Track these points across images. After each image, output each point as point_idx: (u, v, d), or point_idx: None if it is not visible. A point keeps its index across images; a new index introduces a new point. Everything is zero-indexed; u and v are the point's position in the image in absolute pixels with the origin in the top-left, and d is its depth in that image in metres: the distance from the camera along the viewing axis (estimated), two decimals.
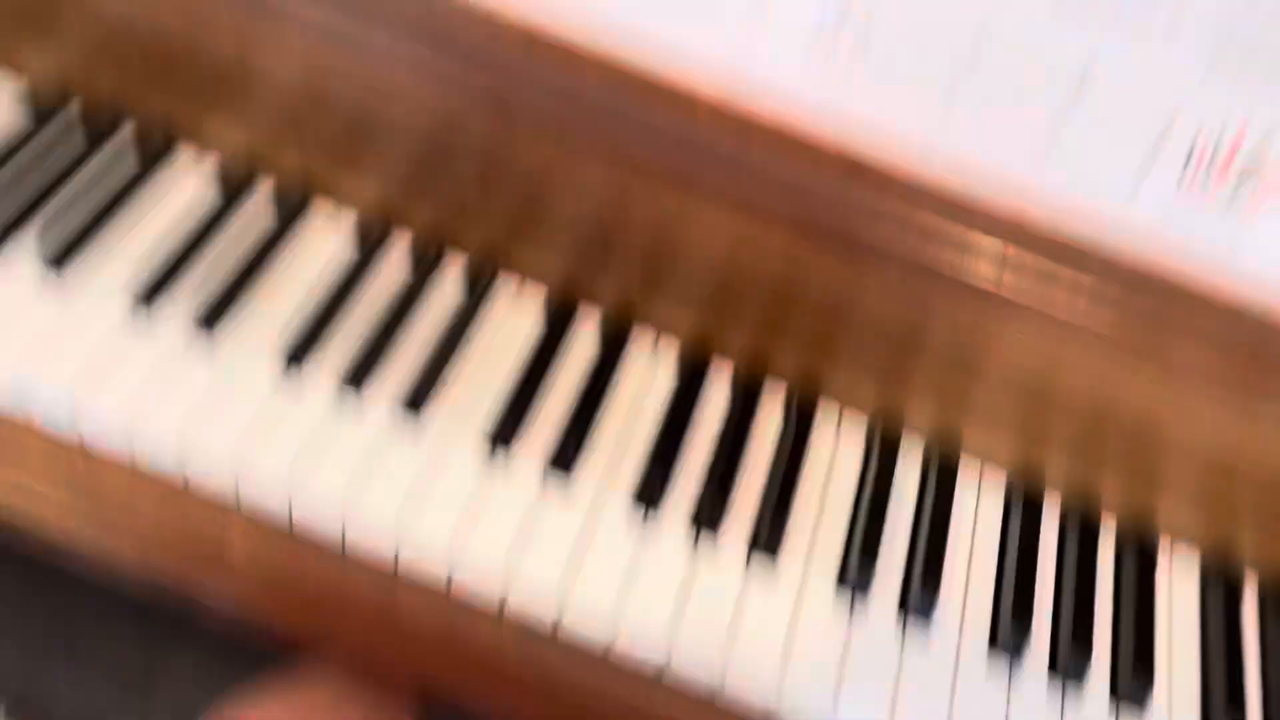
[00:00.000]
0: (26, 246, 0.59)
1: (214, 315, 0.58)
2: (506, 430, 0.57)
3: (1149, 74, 0.50)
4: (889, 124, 0.53)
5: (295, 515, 0.54)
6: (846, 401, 0.62)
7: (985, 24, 0.50)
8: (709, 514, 0.57)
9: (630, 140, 0.55)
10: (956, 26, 0.51)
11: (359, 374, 0.57)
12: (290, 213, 0.63)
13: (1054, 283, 0.54)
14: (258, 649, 0.68)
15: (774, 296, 0.59)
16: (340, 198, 0.64)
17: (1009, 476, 0.62)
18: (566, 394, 0.60)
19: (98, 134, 0.64)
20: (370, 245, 0.63)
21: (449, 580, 0.54)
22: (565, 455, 0.57)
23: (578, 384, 0.60)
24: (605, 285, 0.62)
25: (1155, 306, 0.54)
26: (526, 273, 0.63)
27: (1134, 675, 0.55)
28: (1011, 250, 0.54)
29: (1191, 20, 0.48)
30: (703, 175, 0.55)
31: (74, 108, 0.65)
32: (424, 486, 0.55)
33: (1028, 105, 0.52)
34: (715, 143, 0.54)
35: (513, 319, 0.63)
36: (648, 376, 0.62)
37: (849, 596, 0.56)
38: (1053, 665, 0.56)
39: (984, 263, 0.55)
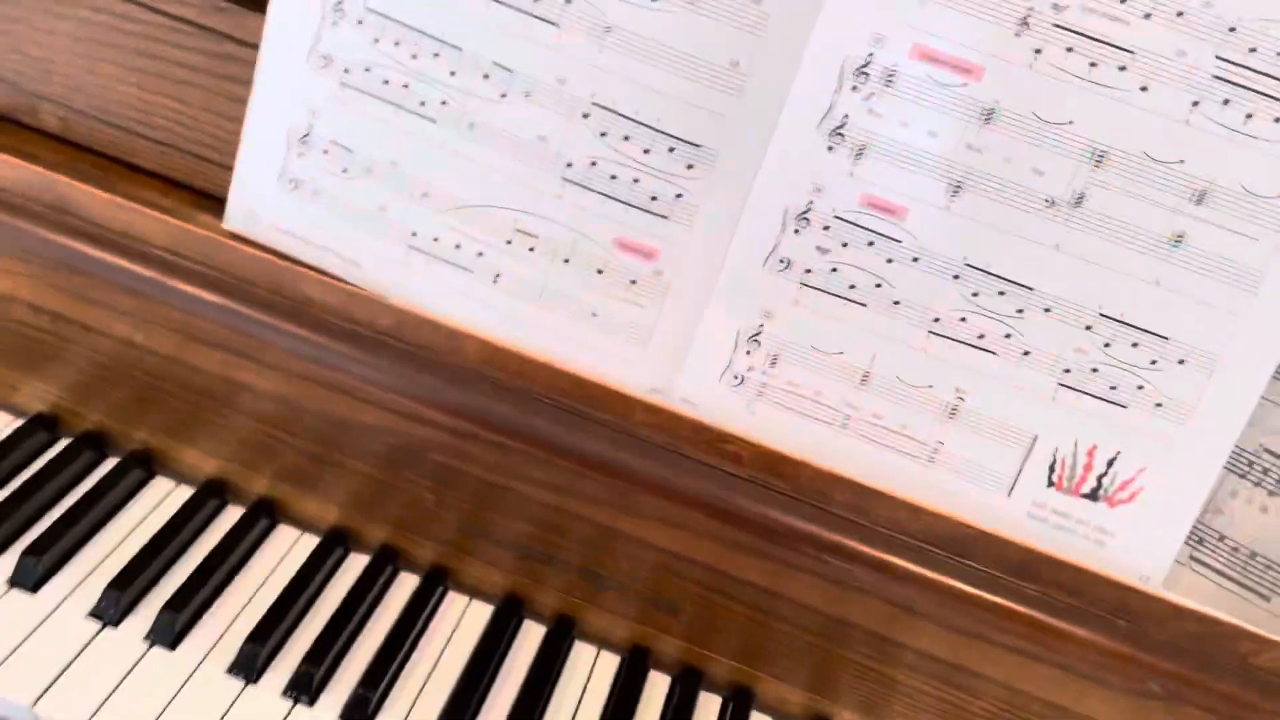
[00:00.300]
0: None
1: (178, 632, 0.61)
2: None
3: (1010, 398, 0.60)
4: (796, 437, 0.62)
5: None
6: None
7: (869, 372, 0.61)
8: None
9: (577, 440, 0.63)
10: (848, 369, 0.61)
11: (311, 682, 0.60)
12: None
13: (943, 567, 0.61)
14: None
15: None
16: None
17: None
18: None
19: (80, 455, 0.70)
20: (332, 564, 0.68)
21: None
22: None
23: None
24: (549, 590, 0.67)
25: (1036, 590, 0.61)
26: (473, 585, 0.68)
27: None
28: (910, 539, 0.61)
29: (1035, 356, 0.59)
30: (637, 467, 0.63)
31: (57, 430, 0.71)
32: None
33: (910, 424, 0.61)
34: (648, 438, 0.63)
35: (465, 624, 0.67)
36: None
37: None
38: None
39: (886, 548, 0.62)
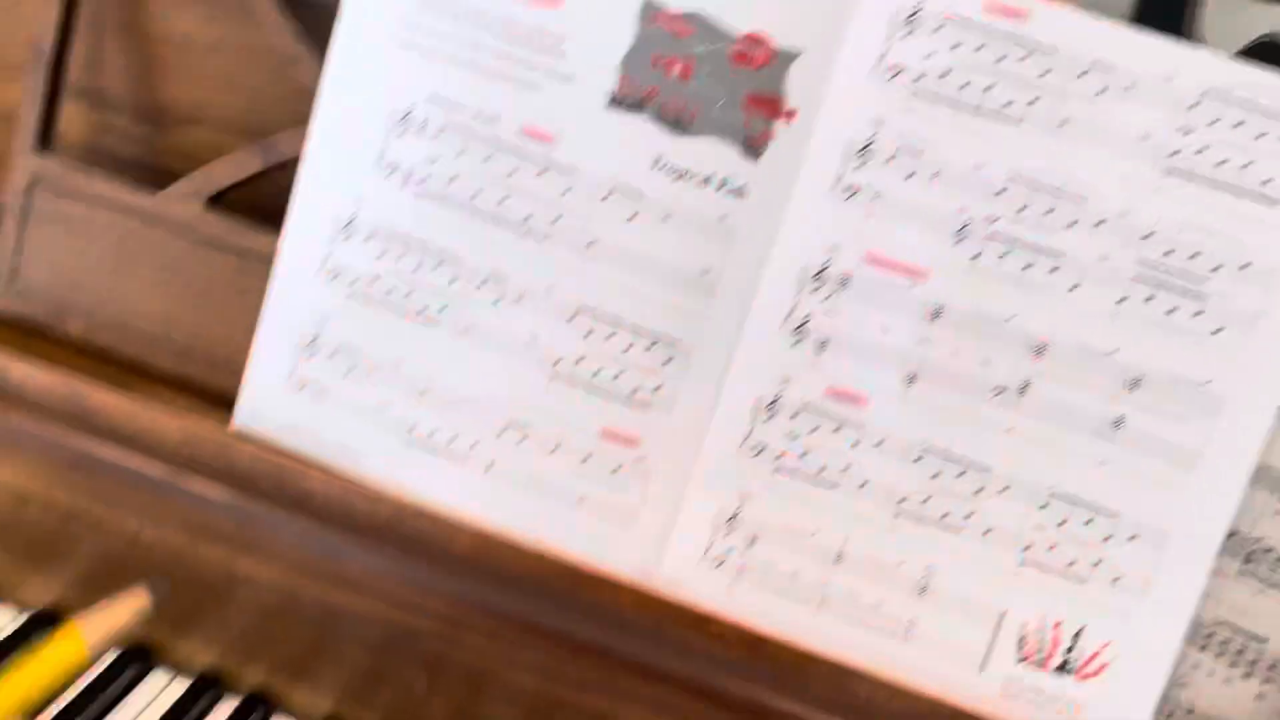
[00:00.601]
0: None
1: None
2: None
3: (976, 575, 0.63)
4: (776, 616, 0.65)
5: None
6: None
7: (842, 552, 0.64)
8: None
9: (566, 624, 0.65)
10: (822, 549, 0.65)
11: None
12: None
13: None
14: None
15: None
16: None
17: None
18: None
19: None
20: None
21: None
22: None
23: None
24: None
25: None
26: None
27: None
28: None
29: (997, 533, 0.63)
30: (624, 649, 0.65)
31: None
32: None
33: (884, 602, 0.64)
34: (635, 620, 0.65)
35: None
36: None
37: None
38: None
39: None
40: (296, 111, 0.69)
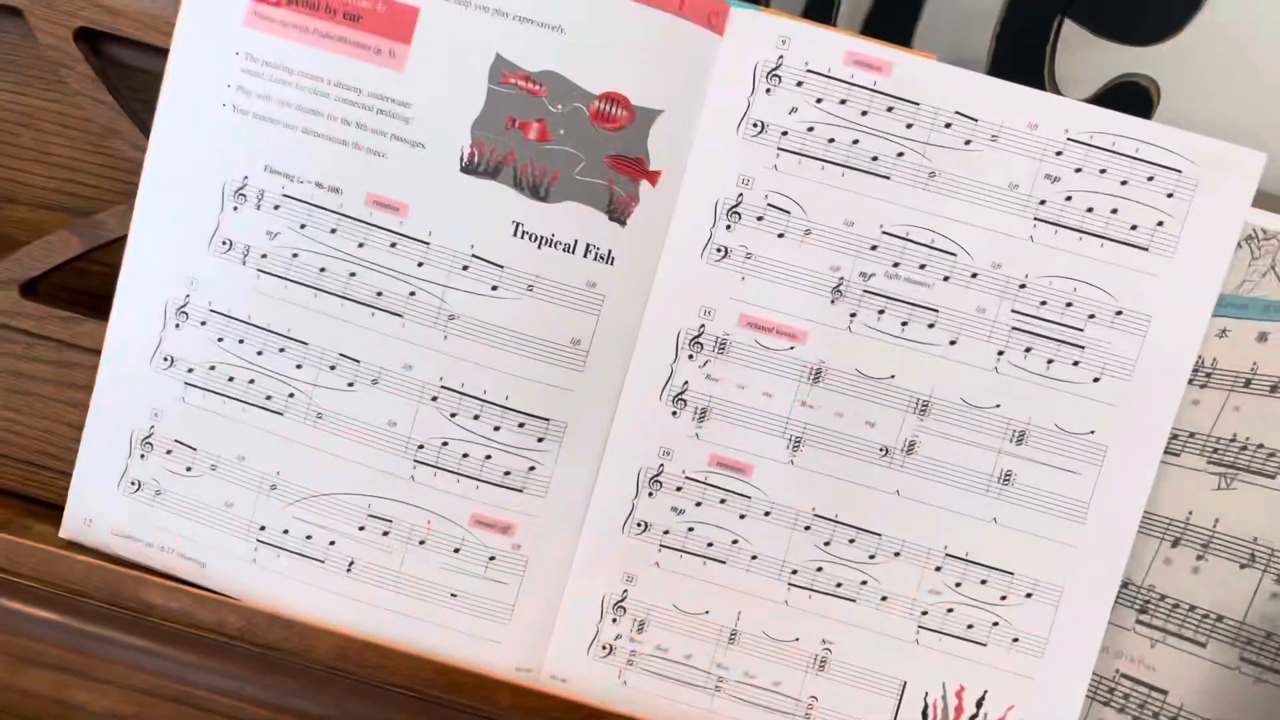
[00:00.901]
0: None
1: None
2: None
3: (875, 644, 0.60)
4: (671, 704, 0.61)
5: None
6: None
7: (736, 630, 0.61)
8: None
9: None
10: (715, 629, 0.61)
11: None
12: None
13: None
14: None
15: None
16: None
17: None
18: None
19: None
20: None
21: None
22: None
23: None
24: None
25: None
26: None
27: None
28: None
29: (893, 600, 0.60)
30: None
31: None
32: None
33: (782, 681, 0.61)
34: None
35: None
36: None
37: None
38: None
39: None
40: (121, 187, 0.63)
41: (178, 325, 0.61)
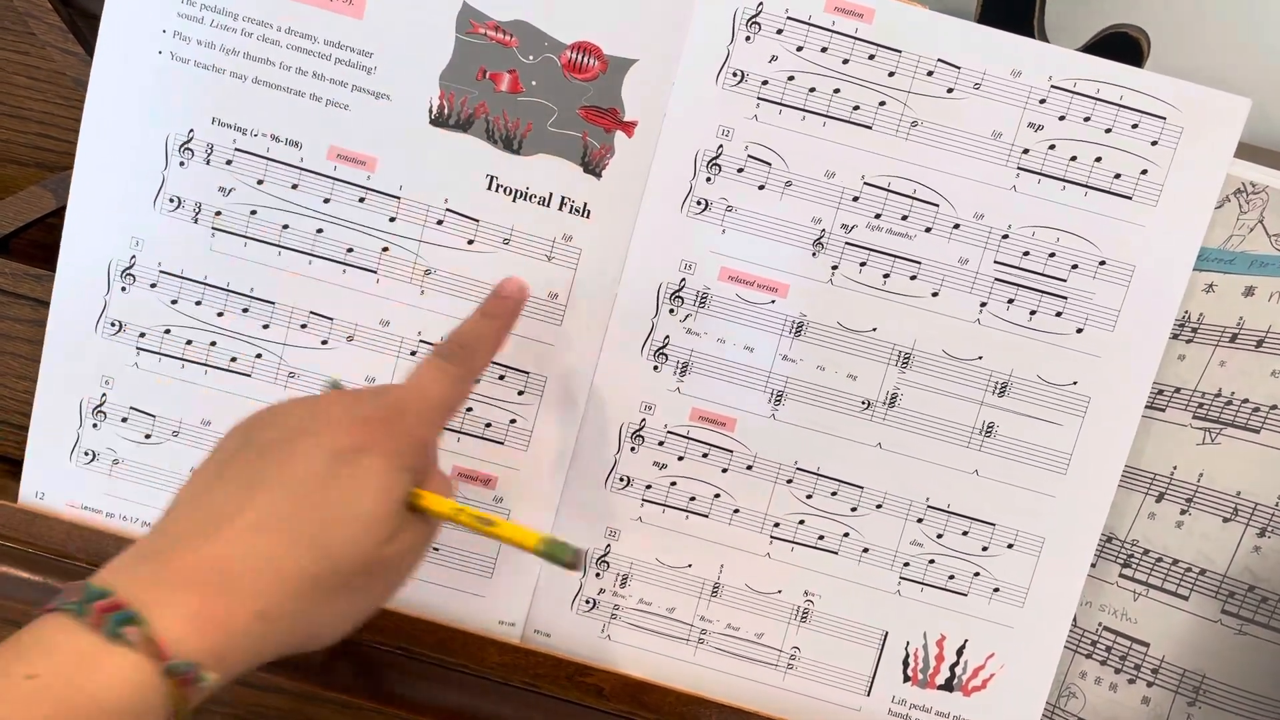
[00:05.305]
0: None
1: None
2: None
3: (857, 596, 0.61)
4: (655, 658, 0.61)
5: None
6: None
7: (719, 583, 0.61)
8: None
9: (431, 692, 0.60)
10: (698, 582, 0.61)
11: None
12: None
13: None
14: None
15: None
16: None
17: None
18: None
19: None
20: None
21: None
22: None
23: None
24: None
25: None
26: None
27: None
28: None
29: (875, 551, 0.60)
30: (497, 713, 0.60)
31: None
32: None
33: (765, 633, 0.61)
34: (505, 680, 0.60)
35: None
36: None
37: None
38: None
39: None
40: None
41: (124, 288, 0.60)
